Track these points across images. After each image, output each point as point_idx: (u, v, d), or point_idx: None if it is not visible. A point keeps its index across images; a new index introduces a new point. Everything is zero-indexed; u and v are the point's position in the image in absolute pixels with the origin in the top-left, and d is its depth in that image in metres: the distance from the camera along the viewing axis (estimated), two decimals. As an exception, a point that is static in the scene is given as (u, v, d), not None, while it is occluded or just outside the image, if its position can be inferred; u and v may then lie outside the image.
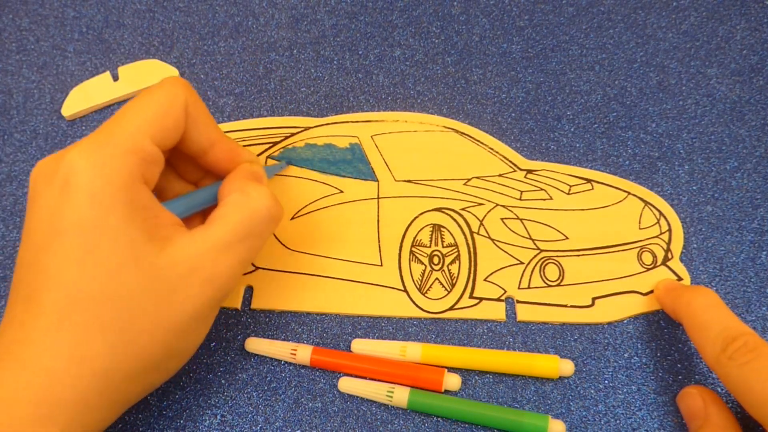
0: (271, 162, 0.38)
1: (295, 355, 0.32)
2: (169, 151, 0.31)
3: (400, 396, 0.31)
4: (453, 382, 0.32)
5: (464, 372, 0.32)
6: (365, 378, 0.32)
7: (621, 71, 0.41)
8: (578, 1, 0.44)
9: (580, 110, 0.40)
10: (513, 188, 0.36)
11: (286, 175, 0.37)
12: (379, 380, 0.32)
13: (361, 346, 0.33)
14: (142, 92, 0.29)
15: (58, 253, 0.25)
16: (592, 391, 0.32)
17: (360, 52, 0.43)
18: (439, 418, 0.32)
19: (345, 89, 0.41)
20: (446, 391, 0.32)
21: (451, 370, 0.32)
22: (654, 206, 0.36)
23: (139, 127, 0.27)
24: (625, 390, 0.32)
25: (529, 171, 0.37)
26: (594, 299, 0.34)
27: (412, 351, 0.32)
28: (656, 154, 0.38)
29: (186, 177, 0.33)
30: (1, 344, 0.26)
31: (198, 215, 0.31)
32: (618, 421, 0.31)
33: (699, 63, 0.41)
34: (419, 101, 0.40)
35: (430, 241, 0.35)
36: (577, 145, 0.39)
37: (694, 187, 0.37)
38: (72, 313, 0.25)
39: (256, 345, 0.33)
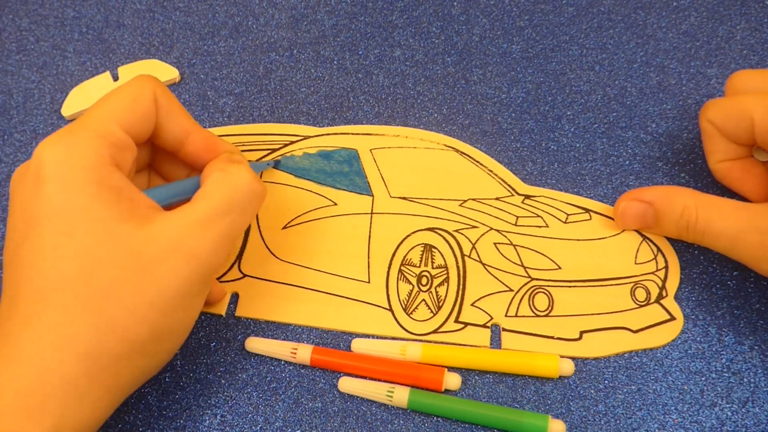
0: (257, 161, 0.38)
1: (295, 354, 0.32)
2: (149, 152, 0.32)
3: (400, 396, 0.31)
4: (453, 381, 0.31)
5: (464, 372, 0.32)
6: (365, 378, 0.32)
7: (621, 71, 0.41)
8: (578, 1, 0.44)
9: (580, 110, 0.40)
10: (509, 213, 0.36)
11: (279, 183, 0.37)
12: (379, 380, 0.32)
13: (361, 345, 0.33)
14: (112, 90, 0.29)
15: (34, 242, 0.25)
16: (592, 391, 0.32)
17: (360, 52, 0.43)
18: (439, 418, 0.32)
19: (345, 89, 0.41)
20: (446, 391, 0.32)
21: (451, 369, 0.32)
22: (652, 241, 0.35)
23: (106, 114, 0.28)
24: (625, 390, 0.32)
25: (527, 196, 0.37)
26: (582, 333, 0.33)
27: (412, 351, 0.32)
28: (656, 154, 0.38)
29: (171, 179, 0.33)
30: None
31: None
32: (618, 421, 0.31)
33: (699, 63, 0.41)
34: (419, 101, 0.40)
35: (420, 260, 0.35)
36: (577, 145, 0.39)
37: (695, 188, 0.37)
38: (50, 297, 0.25)
39: (257, 344, 0.33)
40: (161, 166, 0.33)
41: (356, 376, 0.32)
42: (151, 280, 0.26)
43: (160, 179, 0.34)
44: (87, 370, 0.25)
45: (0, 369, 0.24)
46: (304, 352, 0.32)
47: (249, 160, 0.35)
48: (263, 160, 0.38)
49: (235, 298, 0.35)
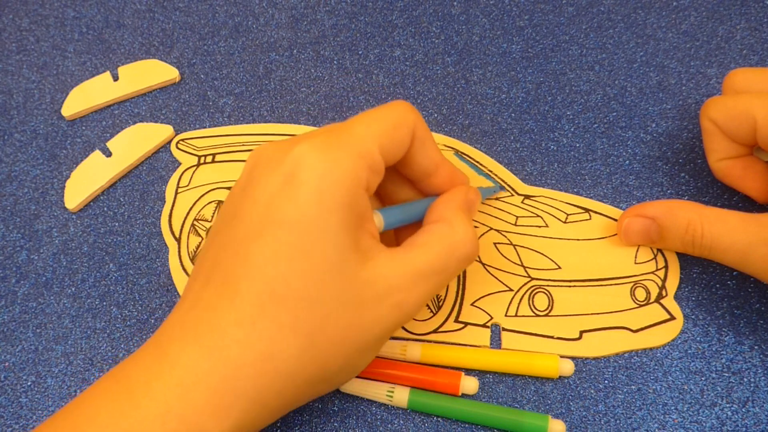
0: (484, 184, 0.37)
1: None
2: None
3: (400, 396, 0.31)
4: (470, 385, 0.31)
5: (464, 372, 0.32)
6: (382, 381, 0.32)
7: (621, 71, 0.41)
8: (578, 1, 0.44)
9: (580, 110, 0.40)
10: (509, 213, 0.36)
11: None
12: (396, 383, 0.32)
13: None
14: (371, 109, 0.28)
15: (270, 244, 0.25)
16: (592, 391, 0.32)
17: (360, 52, 0.43)
18: (439, 418, 0.32)
19: (345, 89, 0.41)
20: (463, 395, 0.32)
21: (451, 370, 0.32)
22: None
23: (370, 133, 0.27)
24: (625, 390, 0.32)
25: (527, 196, 0.37)
26: (582, 332, 0.33)
27: (412, 350, 0.32)
28: (656, 154, 0.38)
29: (381, 198, 0.33)
30: (186, 323, 0.25)
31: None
32: (618, 421, 0.31)
33: (699, 63, 0.41)
34: (419, 101, 0.40)
35: None
36: (577, 145, 0.39)
37: (695, 188, 0.37)
38: (270, 309, 0.24)
39: None
40: (385, 184, 0.32)
41: (369, 379, 0.32)
42: (360, 320, 0.26)
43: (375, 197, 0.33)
44: (278, 387, 0.25)
45: (200, 357, 0.24)
46: None
47: (479, 187, 0.34)
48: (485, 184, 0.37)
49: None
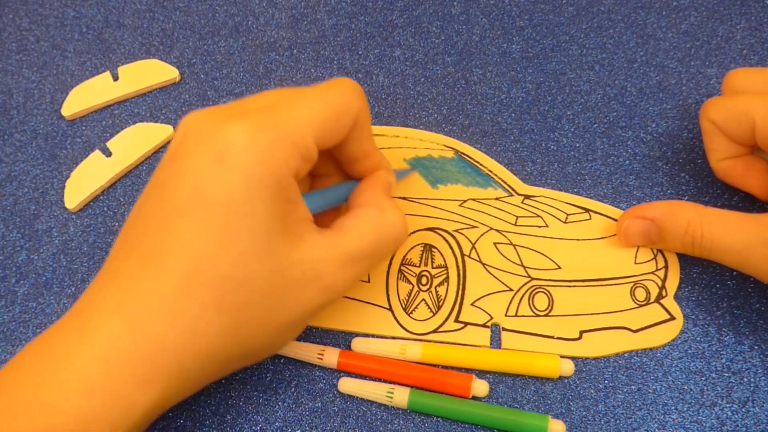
0: (397, 166, 0.37)
1: (322, 357, 0.32)
2: None
3: (400, 396, 0.31)
4: (481, 388, 0.31)
5: (464, 372, 0.32)
6: (385, 381, 0.32)
7: (621, 71, 0.41)
8: (578, 1, 0.44)
9: (580, 110, 0.40)
10: (509, 213, 0.36)
11: None
12: (401, 384, 0.32)
13: (360, 345, 0.33)
14: (316, 88, 0.28)
15: (196, 222, 0.25)
16: (592, 391, 0.32)
17: (360, 52, 0.43)
18: (439, 418, 0.32)
19: (345, 89, 0.41)
20: (473, 397, 0.32)
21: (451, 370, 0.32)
22: None
23: (307, 122, 0.26)
24: (625, 390, 0.32)
25: (527, 196, 0.37)
26: (582, 332, 0.33)
27: (412, 350, 0.32)
28: (656, 154, 0.38)
29: (311, 172, 0.32)
30: (108, 294, 0.25)
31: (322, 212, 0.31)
32: (618, 421, 0.31)
33: (699, 63, 0.41)
34: (419, 101, 0.40)
35: (420, 260, 0.35)
36: (577, 145, 0.39)
37: (695, 188, 0.37)
38: (195, 287, 0.25)
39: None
40: None
41: (377, 380, 0.32)
42: (285, 302, 0.26)
43: None
44: (201, 363, 0.25)
45: (123, 330, 0.24)
46: (331, 355, 0.32)
47: (395, 170, 0.34)
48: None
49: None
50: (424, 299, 0.34)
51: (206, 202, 0.25)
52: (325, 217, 0.31)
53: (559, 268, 0.34)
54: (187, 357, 0.25)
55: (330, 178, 0.33)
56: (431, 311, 0.34)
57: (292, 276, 0.26)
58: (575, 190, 0.37)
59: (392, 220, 0.29)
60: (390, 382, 0.32)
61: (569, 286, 0.34)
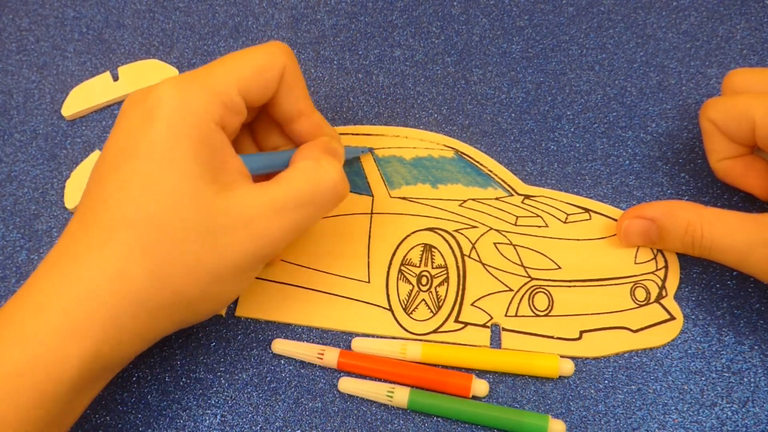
0: (353, 144, 0.37)
1: (322, 357, 0.32)
2: (255, 115, 0.32)
3: (400, 396, 0.31)
4: (481, 388, 0.31)
5: (464, 372, 0.32)
6: (385, 381, 0.32)
7: (621, 71, 0.41)
8: (578, 1, 0.44)
9: (580, 110, 0.40)
10: (509, 213, 0.36)
11: None
12: (400, 384, 0.32)
13: (360, 344, 0.33)
14: (244, 49, 0.29)
15: (125, 173, 0.26)
16: (592, 391, 0.32)
17: (360, 52, 0.43)
18: (439, 418, 0.32)
19: (345, 89, 0.41)
20: (474, 397, 0.32)
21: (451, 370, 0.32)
22: None
23: (229, 75, 0.28)
24: (625, 390, 0.32)
25: (527, 196, 0.37)
26: (582, 332, 0.33)
27: (412, 350, 0.32)
28: (656, 154, 0.38)
29: (262, 145, 0.34)
30: (51, 256, 0.27)
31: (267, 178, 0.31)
32: (618, 421, 0.31)
33: (699, 63, 0.41)
34: (419, 101, 0.40)
35: (420, 260, 0.35)
36: (577, 145, 0.39)
37: (695, 188, 0.37)
38: (119, 233, 0.26)
39: (283, 346, 0.33)
40: (257, 130, 0.33)
41: (377, 380, 0.32)
42: (214, 247, 0.27)
43: (247, 135, 0.34)
44: (132, 309, 0.26)
45: (54, 281, 0.26)
46: (331, 355, 0.32)
47: (346, 146, 0.34)
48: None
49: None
50: (424, 299, 0.34)
51: (133, 153, 0.26)
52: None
53: (559, 268, 0.34)
54: (116, 301, 0.25)
55: (280, 149, 0.33)
56: (431, 311, 0.34)
57: (220, 222, 0.27)
58: (575, 190, 0.37)
59: (327, 170, 0.29)
60: (390, 382, 0.32)
61: (569, 286, 0.34)
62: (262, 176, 0.31)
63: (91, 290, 0.25)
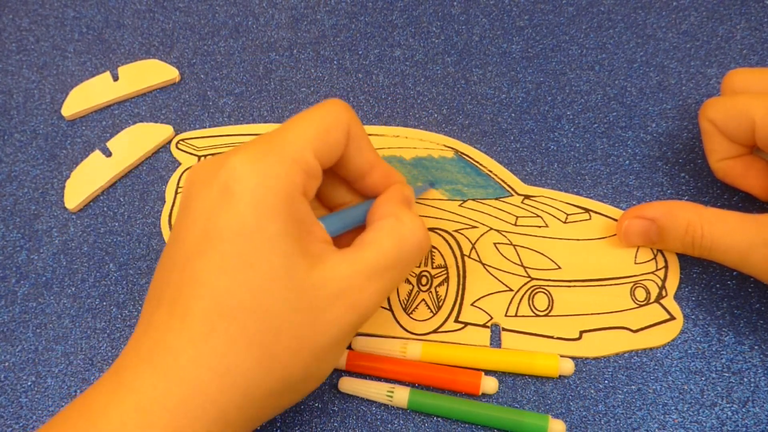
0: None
1: None
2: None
3: (400, 396, 0.31)
4: (490, 385, 0.31)
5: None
6: (390, 380, 0.32)
7: (621, 71, 0.41)
8: (578, 1, 0.44)
9: (580, 110, 0.40)
10: (509, 213, 0.36)
11: None
12: (409, 383, 0.32)
13: (360, 344, 0.33)
14: (304, 111, 0.28)
15: (213, 259, 0.25)
16: (592, 391, 0.32)
17: (360, 52, 0.43)
18: (439, 418, 0.32)
19: (345, 89, 0.41)
20: (483, 395, 0.32)
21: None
22: None
23: (302, 138, 0.27)
24: (625, 390, 0.32)
25: (527, 196, 0.37)
26: (582, 332, 0.33)
27: (413, 350, 0.32)
28: (656, 154, 0.38)
29: (329, 204, 0.33)
30: (141, 347, 0.25)
31: (343, 235, 0.30)
32: (618, 421, 0.31)
33: (699, 63, 0.41)
34: (419, 101, 0.40)
35: (420, 260, 0.35)
36: (577, 145, 0.39)
37: (695, 188, 0.37)
38: (220, 323, 0.24)
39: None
40: (322, 186, 0.31)
41: (384, 380, 0.32)
42: (315, 324, 0.25)
43: (315, 198, 0.32)
44: (240, 403, 0.24)
45: (155, 379, 0.24)
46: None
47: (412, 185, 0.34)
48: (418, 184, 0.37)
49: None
50: (424, 299, 0.34)
51: (219, 236, 0.25)
52: (345, 240, 0.31)
53: (559, 268, 0.34)
54: (224, 397, 0.24)
55: (348, 205, 0.32)
56: (431, 311, 0.34)
57: (317, 297, 0.25)
58: (575, 190, 0.37)
59: (411, 227, 0.28)
60: (395, 381, 0.32)
61: (569, 286, 0.34)
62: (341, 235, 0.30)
63: (198, 388, 0.24)
